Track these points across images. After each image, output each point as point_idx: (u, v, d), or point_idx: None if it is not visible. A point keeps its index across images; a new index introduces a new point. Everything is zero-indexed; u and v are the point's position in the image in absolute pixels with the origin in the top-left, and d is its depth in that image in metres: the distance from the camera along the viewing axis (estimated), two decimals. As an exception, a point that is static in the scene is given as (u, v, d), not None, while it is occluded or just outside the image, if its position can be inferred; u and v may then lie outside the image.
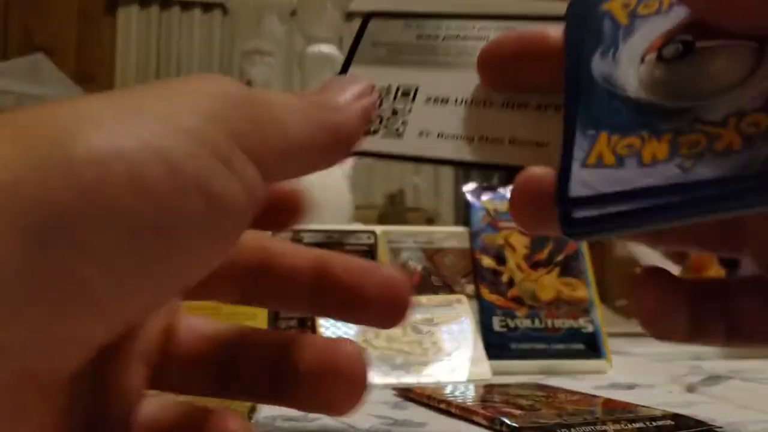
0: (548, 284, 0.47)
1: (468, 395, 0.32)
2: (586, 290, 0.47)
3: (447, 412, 0.30)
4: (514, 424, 0.26)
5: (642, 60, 0.18)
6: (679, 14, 0.18)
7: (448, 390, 0.33)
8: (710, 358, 0.51)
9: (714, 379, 0.38)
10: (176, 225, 0.13)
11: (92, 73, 1.95)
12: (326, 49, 0.85)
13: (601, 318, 0.47)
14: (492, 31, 0.21)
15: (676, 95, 0.17)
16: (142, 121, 0.13)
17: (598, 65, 0.18)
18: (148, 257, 0.13)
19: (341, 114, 0.19)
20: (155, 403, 0.18)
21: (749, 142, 0.15)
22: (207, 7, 2.05)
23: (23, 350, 0.11)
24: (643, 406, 0.29)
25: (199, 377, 0.19)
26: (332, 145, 0.18)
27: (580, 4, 0.20)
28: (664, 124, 0.16)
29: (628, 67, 0.18)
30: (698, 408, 0.31)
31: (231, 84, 0.16)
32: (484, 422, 0.27)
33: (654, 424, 0.26)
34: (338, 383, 0.18)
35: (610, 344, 0.46)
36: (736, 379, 0.38)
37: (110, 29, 2.01)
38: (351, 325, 0.38)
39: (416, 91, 0.21)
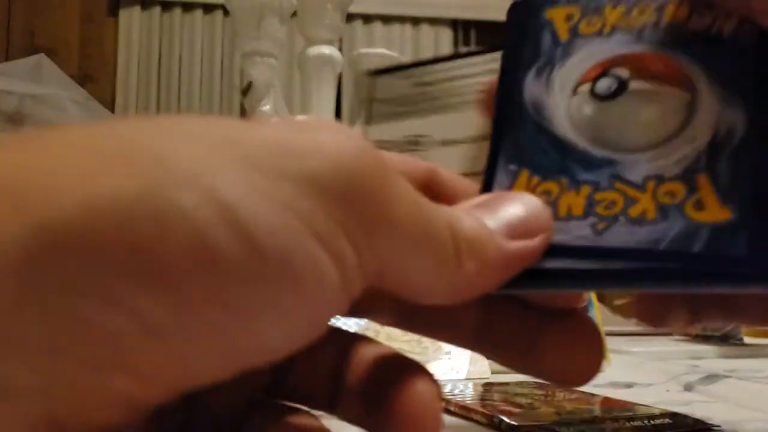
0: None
1: (467, 394, 0.32)
2: (585, 290, 0.47)
3: (446, 411, 0.30)
4: (513, 423, 0.26)
5: (574, 91, 0.17)
6: (620, 41, 0.18)
7: (447, 388, 0.34)
8: (708, 357, 0.51)
9: (712, 378, 0.38)
10: (242, 301, 0.11)
11: (94, 73, 1.95)
12: (327, 50, 0.85)
13: (599, 317, 0.47)
14: (477, 67, 0.21)
15: (602, 142, 0.16)
16: (229, 174, 0.11)
17: (531, 87, 0.18)
18: (198, 327, 0.11)
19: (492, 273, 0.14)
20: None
21: (663, 213, 0.15)
22: (208, 9, 2.05)
23: (46, 396, 0.11)
24: (641, 405, 0.29)
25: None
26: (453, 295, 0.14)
27: (523, 9, 0.19)
28: (584, 174, 0.16)
29: (560, 98, 0.18)
30: (696, 407, 0.31)
31: (361, 150, 0.12)
32: (482, 421, 0.27)
33: (652, 422, 0.26)
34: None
35: (609, 343, 0.46)
36: (733, 378, 0.38)
37: (112, 30, 2.01)
38: (350, 321, 0.39)
39: (428, 137, 0.21)
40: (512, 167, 0.17)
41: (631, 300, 0.19)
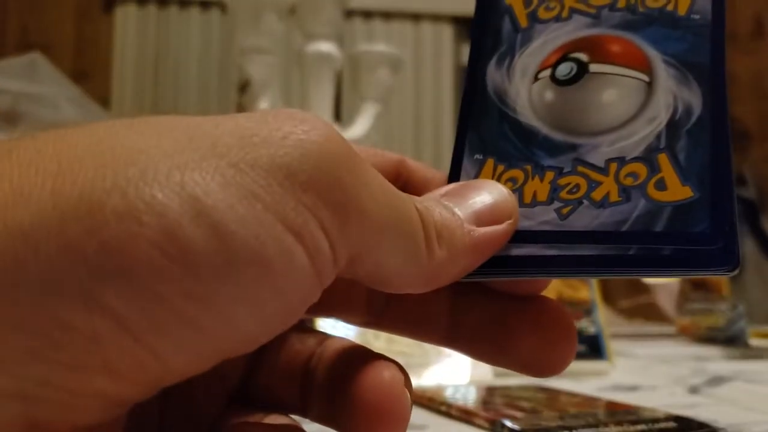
0: (550, 285, 0.46)
1: (469, 397, 0.32)
2: (589, 291, 0.47)
3: (448, 415, 0.30)
4: (516, 427, 0.25)
5: (535, 77, 0.17)
6: (578, 25, 0.18)
7: (448, 392, 0.33)
8: (713, 359, 0.51)
9: (717, 380, 0.38)
10: (214, 294, 0.11)
11: (89, 71, 1.95)
12: (325, 47, 0.85)
13: (604, 319, 0.46)
14: None
15: (564, 127, 0.16)
16: (197, 167, 0.11)
17: (493, 75, 0.18)
18: (172, 323, 0.11)
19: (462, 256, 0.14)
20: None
21: (626, 195, 0.15)
22: (205, 6, 2.04)
23: (23, 399, 0.11)
24: (645, 408, 0.29)
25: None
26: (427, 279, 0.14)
27: None
28: (548, 160, 0.16)
29: (521, 84, 0.18)
30: (701, 410, 0.31)
31: (327, 137, 0.12)
32: (485, 425, 0.27)
33: (656, 426, 0.26)
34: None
35: (613, 346, 0.46)
36: (739, 381, 0.38)
37: (108, 27, 2.00)
38: (351, 326, 0.38)
39: None
40: (478, 156, 0.17)
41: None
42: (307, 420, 0.16)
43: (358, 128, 0.88)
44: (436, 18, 2.10)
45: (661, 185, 0.15)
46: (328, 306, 0.17)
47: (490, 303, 0.17)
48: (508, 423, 0.26)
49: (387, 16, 2.09)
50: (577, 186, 0.16)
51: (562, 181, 0.16)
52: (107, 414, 0.12)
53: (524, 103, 0.17)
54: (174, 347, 0.11)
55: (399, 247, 0.13)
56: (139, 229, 0.10)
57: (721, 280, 0.64)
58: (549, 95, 0.17)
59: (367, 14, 2.07)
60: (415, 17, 2.10)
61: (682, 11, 0.17)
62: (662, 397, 0.35)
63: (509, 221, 0.15)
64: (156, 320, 0.11)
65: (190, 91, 2.01)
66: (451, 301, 0.17)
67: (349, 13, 1.94)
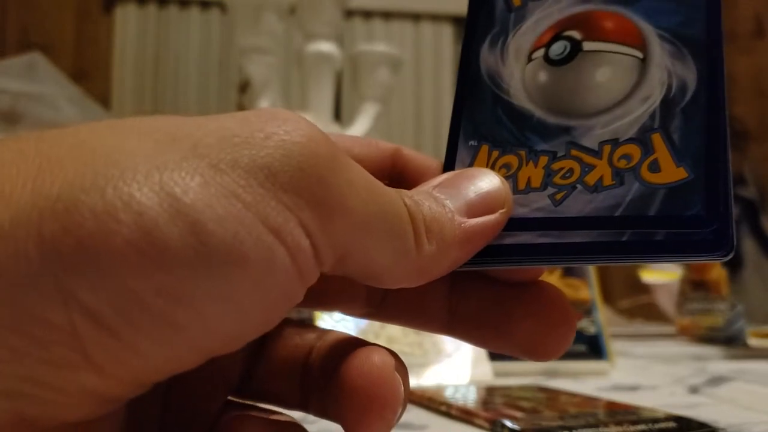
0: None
1: (469, 397, 0.32)
2: (589, 291, 0.47)
3: (448, 415, 0.30)
4: (516, 427, 0.25)
5: (529, 58, 0.17)
6: (571, 1, 0.17)
7: (448, 392, 0.33)
8: (713, 359, 0.51)
9: (717, 380, 0.38)
10: (191, 292, 0.11)
11: (89, 71, 1.95)
12: (325, 47, 0.85)
13: (604, 319, 0.46)
14: None
15: (558, 108, 0.16)
16: (176, 167, 0.11)
17: (486, 57, 0.17)
18: (148, 320, 0.11)
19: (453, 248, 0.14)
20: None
21: (620, 178, 0.15)
22: (205, 6, 2.04)
23: (9, 396, 0.11)
24: (645, 408, 0.29)
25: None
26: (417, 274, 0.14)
27: None
28: (542, 144, 0.16)
29: (515, 66, 0.17)
30: (701, 410, 0.31)
31: (310, 137, 0.12)
32: (485, 425, 0.27)
33: (657, 426, 0.26)
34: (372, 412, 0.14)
35: (613, 346, 0.46)
36: (739, 381, 0.38)
37: (108, 27, 2.00)
38: (349, 324, 0.38)
39: None
40: (472, 143, 0.17)
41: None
42: (309, 419, 0.16)
43: (357, 128, 0.88)
44: (436, 18, 2.10)
45: (654, 167, 0.14)
46: (328, 299, 0.17)
47: (487, 289, 0.17)
48: (508, 423, 0.26)
49: (387, 16, 2.09)
50: (571, 170, 0.15)
51: (556, 165, 0.16)
52: (97, 410, 0.12)
53: (518, 85, 0.17)
54: (152, 344, 0.11)
55: (387, 243, 0.13)
56: (116, 227, 0.10)
57: (721, 280, 0.64)
58: (542, 76, 0.17)
59: (367, 14, 2.06)
60: (415, 17, 2.09)
61: None
62: (662, 397, 0.35)
63: (502, 210, 0.15)
64: (132, 317, 0.11)
65: (190, 91, 2.01)
66: (448, 288, 0.17)
67: (349, 13, 1.94)
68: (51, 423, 0.11)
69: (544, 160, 0.16)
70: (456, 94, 0.18)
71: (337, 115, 1.06)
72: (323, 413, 0.16)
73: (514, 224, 0.15)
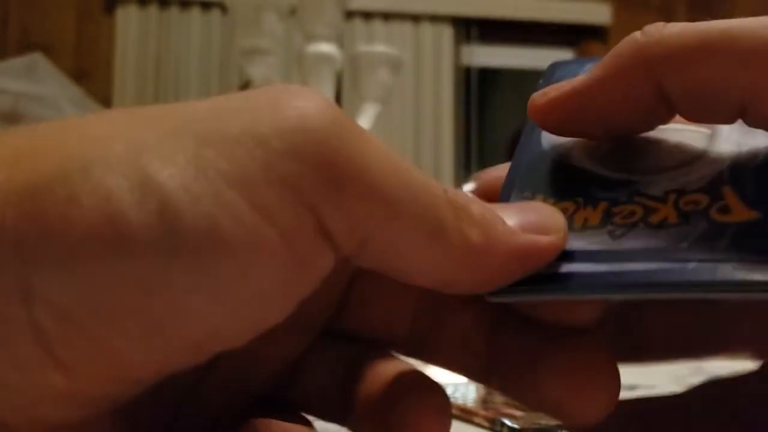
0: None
1: (468, 396, 0.32)
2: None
3: (447, 414, 0.30)
4: (515, 426, 0.25)
5: None
6: None
7: (448, 391, 0.33)
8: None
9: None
10: (163, 281, 0.10)
11: (90, 71, 1.95)
12: (325, 48, 0.85)
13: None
14: None
15: (622, 168, 0.16)
16: (153, 150, 0.10)
17: (547, 134, 0.17)
18: (118, 314, 0.10)
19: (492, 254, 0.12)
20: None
21: (685, 218, 0.14)
22: (206, 7, 2.04)
23: None
24: (645, 408, 0.29)
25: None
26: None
27: (561, 65, 0.19)
28: (602, 193, 0.15)
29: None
30: (700, 409, 0.31)
31: (317, 104, 0.11)
32: (484, 424, 0.27)
33: (656, 425, 0.26)
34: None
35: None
36: (738, 380, 0.38)
37: (109, 28, 2.01)
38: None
39: None
40: (526, 194, 0.16)
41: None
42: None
43: (358, 128, 0.88)
44: (436, 18, 2.10)
45: (724, 210, 0.14)
46: (371, 332, 0.16)
47: (525, 339, 0.15)
48: (508, 422, 0.26)
49: (387, 16, 2.09)
50: (632, 212, 0.15)
51: (617, 209, 0.15)
52: (78, 412, 0.11)
53: (581, 153, 0.17)
54: (126, 339, 0.10)
55: (419, 226, 0.11)
56: (79, 212, 0.10)
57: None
58: (607, 145, 0.16)
59: (367, 15, 2.07)
60: (415, 18, 2.10)
61: None
62: (661, 396, 0.35)
63: (556, 234, 0.13)
64: (99, 310, 0.10)
65: (191, 92, 2.02)
66: (488, 335, 0.16)
67: (350, 14, 1.94)
68: (27, 427, 0.11)
69: (603, 205, 0.15)
70: (513, 159, 0.17)
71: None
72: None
73: (569, 256, 0.14)
